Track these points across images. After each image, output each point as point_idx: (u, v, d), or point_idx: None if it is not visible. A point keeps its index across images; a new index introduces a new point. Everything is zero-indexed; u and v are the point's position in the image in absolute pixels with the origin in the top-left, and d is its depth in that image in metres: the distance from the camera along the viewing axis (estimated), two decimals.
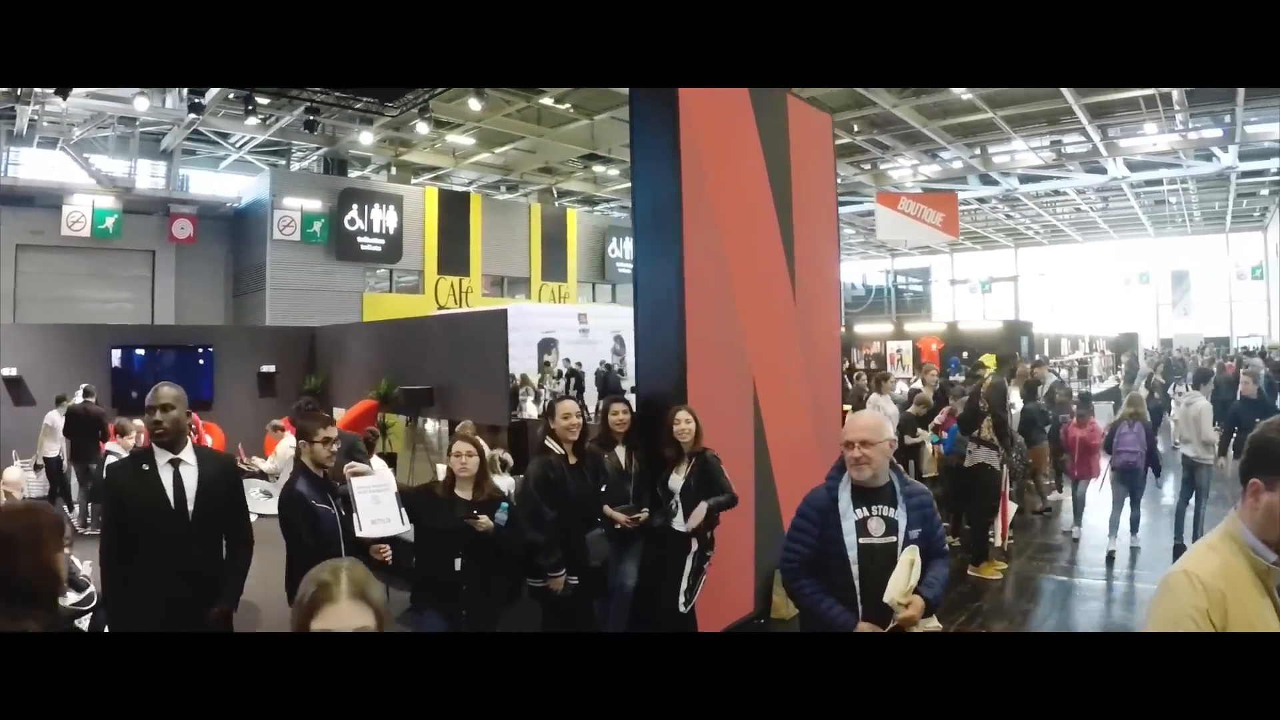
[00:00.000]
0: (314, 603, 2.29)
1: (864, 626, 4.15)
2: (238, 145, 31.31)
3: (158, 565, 4.82)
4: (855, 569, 4.22)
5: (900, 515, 4.30)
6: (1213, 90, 23.76)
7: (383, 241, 31.86)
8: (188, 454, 5.05)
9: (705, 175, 7.72)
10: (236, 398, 18.97)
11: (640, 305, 7.75)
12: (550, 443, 6.48)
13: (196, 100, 23.38)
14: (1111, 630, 8.49)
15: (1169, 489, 14.01)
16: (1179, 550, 10.85)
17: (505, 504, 5.81)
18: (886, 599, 4.11)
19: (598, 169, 34.69)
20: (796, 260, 9.13)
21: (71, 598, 5.85)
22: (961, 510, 11.62)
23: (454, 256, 33.57)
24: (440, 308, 31.19)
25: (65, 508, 15.24)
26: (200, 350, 19.16)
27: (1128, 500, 11.39)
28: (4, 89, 23.42)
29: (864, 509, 4.29)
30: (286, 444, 14.85)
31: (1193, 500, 11.33)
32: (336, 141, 30.33)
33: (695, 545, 6.74)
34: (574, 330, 28.64)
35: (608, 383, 24.45)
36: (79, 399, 15.87)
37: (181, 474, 4.98)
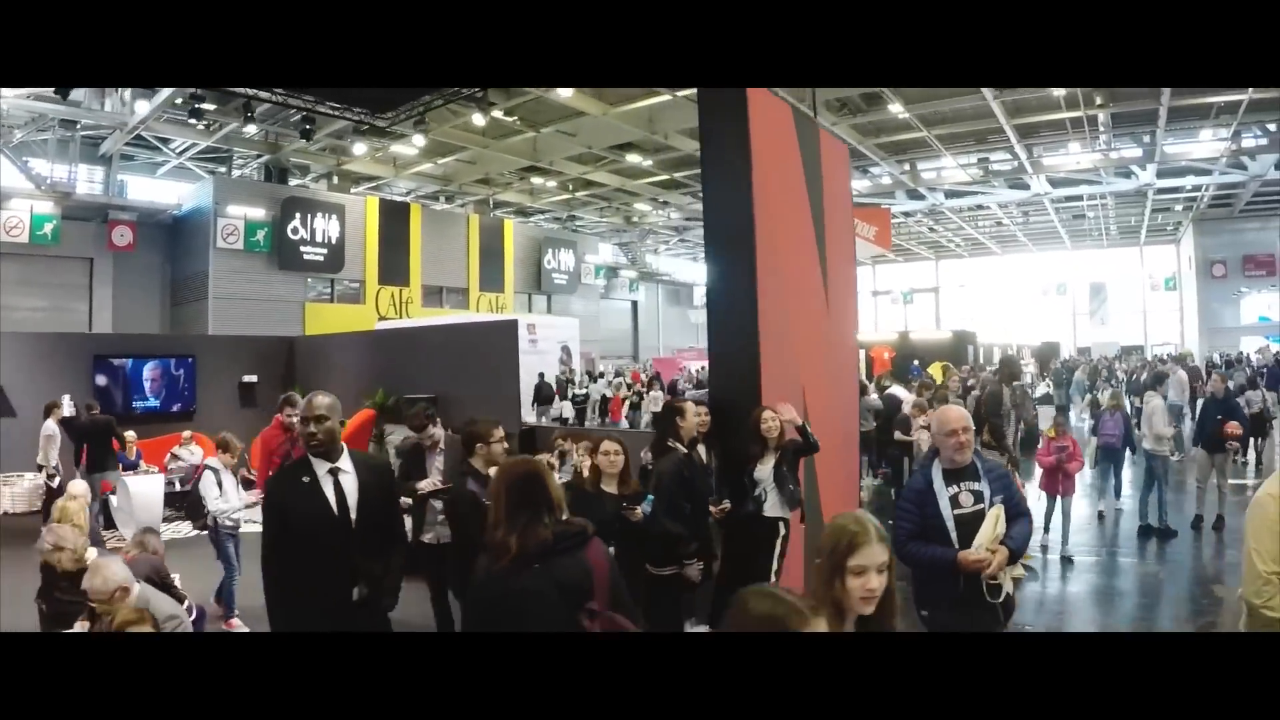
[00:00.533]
0: (852, 545, 3.14)
1: (964, 554, 5.22)
2: (178, 151, 31.75)
3: (323, 573, 5.13)
4: (954, 536, 5.35)
5: (984, 487, 5.45)
6: (1137, 110, 25.36)
7: (325, 251, 32.45)
8: (345, 462, 5.37)
9: (768, 192, 8.82)
10: (218, 408, 19.55)
11: (713, 315, 8.95)
12: (674, 443, 7.55)
13: (198, 105, 23.71)
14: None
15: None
16: (1145, 530, 13.02)
17: (650, 497, 6.87)
18: (973, 547, 5.24)
19: (535, 180, 35.57)
20: (829, 274, 10.30)
21: (166, 608, 6.16)
22: None
23: (394, 266, 34.25)
24: (381, 318, 32.00)
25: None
26: (180, 360, 19.70)
27: (1111, 471, 14.10)
28: None
29: (955, 486, 5.46)
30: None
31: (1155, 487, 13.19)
32: (279, 149, 30.87)
33: (784, 530, 7.85)
34: (524, 340, 29.31)
35: (540, 392, 25.45)
36: (68, 409, 16.44)
37: (342, 483, 5.28)
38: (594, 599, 3.91)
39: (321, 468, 5.27)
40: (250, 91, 19.07)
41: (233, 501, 9.50)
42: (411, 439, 9.15)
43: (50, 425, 15.57)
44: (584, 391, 28.84)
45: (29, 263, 29.52)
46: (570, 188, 36.45)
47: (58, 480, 14.76)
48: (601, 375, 32.66)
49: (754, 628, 2.65)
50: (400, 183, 35.95)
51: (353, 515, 5.29)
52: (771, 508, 7.78)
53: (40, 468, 15.74)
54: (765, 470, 7.79)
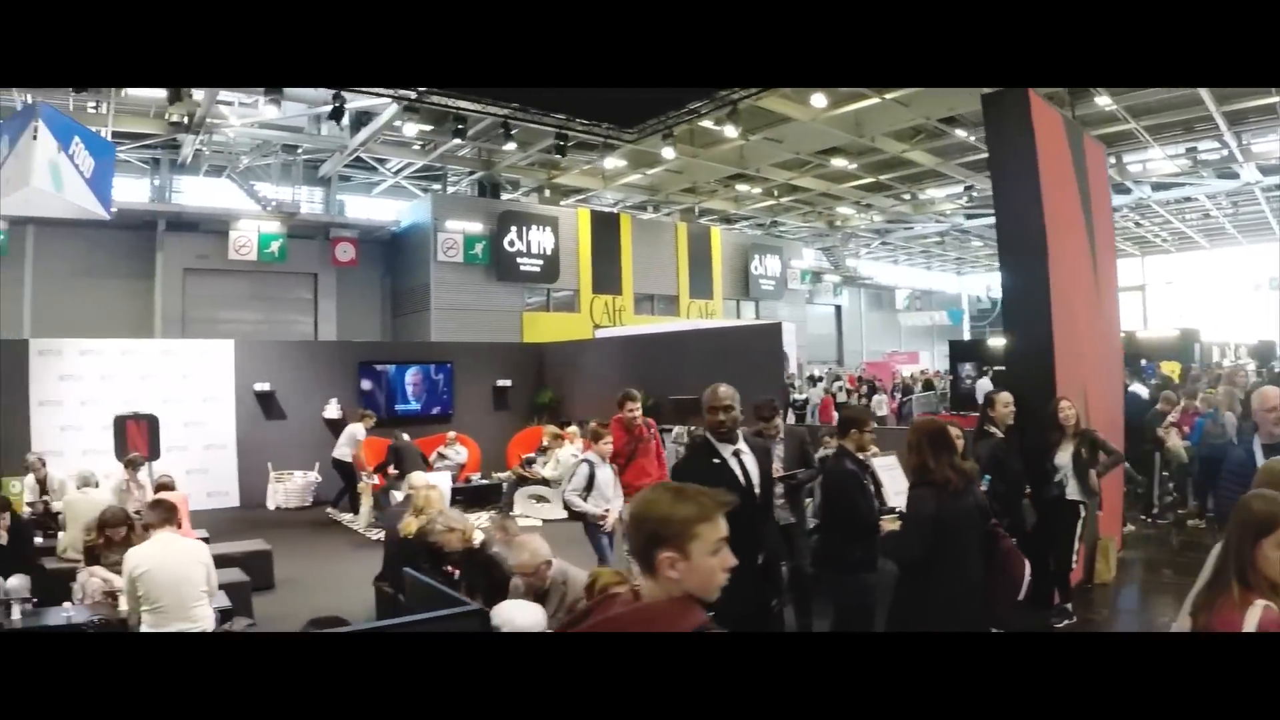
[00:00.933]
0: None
1: None
2: (394, 171, 33.30)
3: (740, 542, 5.87)
4: None
5: None
6: None
7: (541, 262, 33.42)
8: (742, 444, 6.22)
9: (1052, 195, 9.33)
10: (474, 411, 20.54)
11: (1009, 312, 9.74)
12: (990, 427, 8.55)
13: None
14: None
15: None
16: None
17: (988, 477, 7.54)
18: None
19: (741, 187, 35.98)
20: (1098, 270, 10.71)
21: (583, 577, 6.51)
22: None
23: (606, 276, 35.07)
24: (596, 326, 32.91)
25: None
26: (439, 366, 20.74)
27: None
28: (175, 119, 25.39)
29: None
30: (568, 451, 16.46)
31: None
32: (492, 165, 32.08)
33: (1083, 512, 8.69)
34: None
35: None
36: (334, 411, 17.89)
37: (745, 462, 6.12)
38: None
39: (726, 449, 6.12)
40: (505, 111, 19.79)
41: (607, 493, 9.73)
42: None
43: (357, 428, 16.88)
44: (804, 396, 29.14)
45: (258, 279, 31.60)
46: (775, 193, 36.80)
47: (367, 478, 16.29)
48: (820, 379, 33.06)
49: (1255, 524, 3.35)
50: (608, 194, 36.79)
51: (756, 490, 6.15)
52: (1072, 492, 8.64)
53: (338, 464, 17.28)
54: (1065, 456, 8.71)
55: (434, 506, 9.10)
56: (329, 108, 20.46)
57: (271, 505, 18.53)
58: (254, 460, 18.65)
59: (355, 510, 16.95)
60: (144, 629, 7.12)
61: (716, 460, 6.08)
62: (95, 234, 28.46)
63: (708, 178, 34.27)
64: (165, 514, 7.78)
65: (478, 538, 8.26)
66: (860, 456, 7.03)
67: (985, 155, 28.66)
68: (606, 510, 9.58)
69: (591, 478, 9.71)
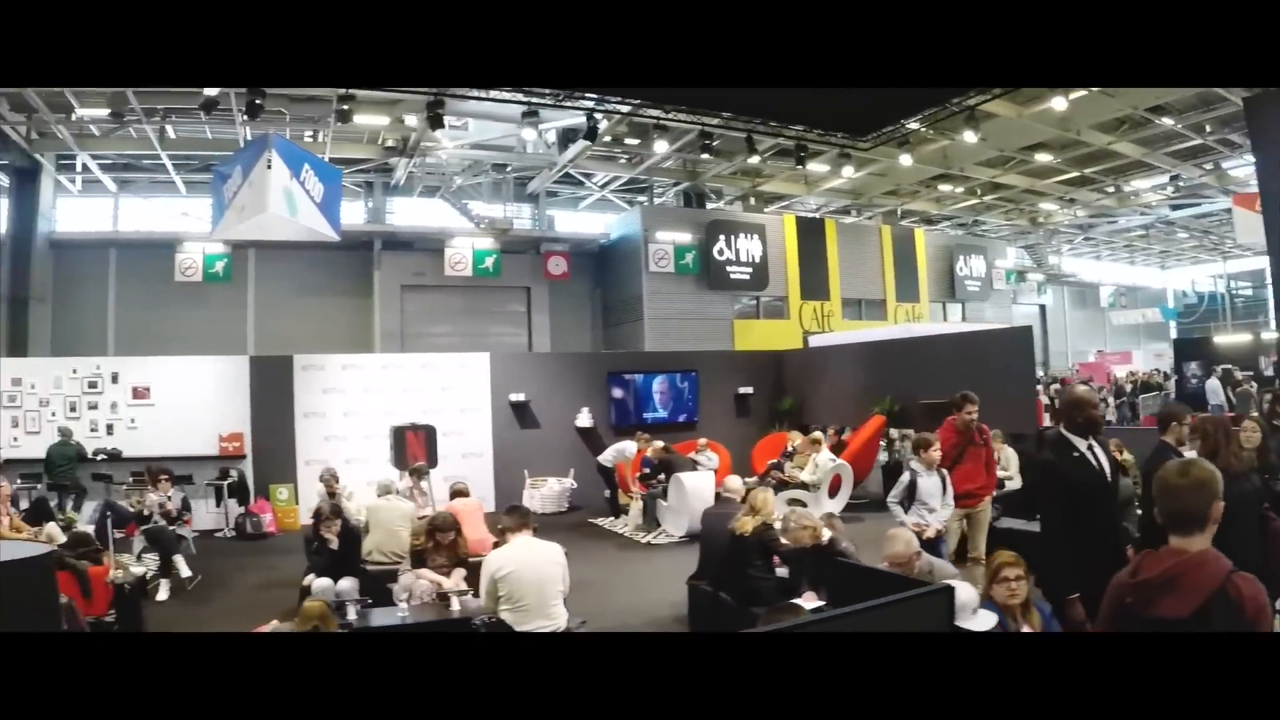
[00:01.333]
0: None
1: None
2: (600, 185, 34.31)
3: (1100, 531, 6.13)
4: None
5: None
6: None
7: (750, 270, 33.92)
8: (1094, 440, 6.40)
9: None
10: (718, 418, 21.09)
11: None
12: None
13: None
14: None
15: None
16: None
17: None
18: None
19: (943, 187, 35.96)
20: None
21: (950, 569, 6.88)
22: None
23: (814, 281, 35.34)
24: (806, 332, 33.34)
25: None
26: (684, 374, 21.38)
27: None
28: (390, 144, 26.80)
29: None
30: (825, 456, 16.85)
31: None
32: (697, 175, 32.75)
33: None
34: None
35: None
36: (585, 420, 18.72)
37: (1098, 454, 6.33)
38: None
39: (1082, 444, 6.34)
40: (748, 125, 20.19)
41: (932, 503, 9.74)
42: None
43: (631, 446, 17.85)
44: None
45: (472, 293, 33.05)
46: (978, 192, 36.69)
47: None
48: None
49: None
50: (810, 199, 37.14)
51: (1109, 480, 6.42)
52: None
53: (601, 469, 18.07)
54: None
55: (770, 506, 9.55)
56: (544, 124, 21.56)
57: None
58: (509, 468, 19.49)
59: (615, 515, 17.77)
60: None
61: (1075, 453, 6.34)
62: (313, 255, 30.08)
63: (911, 179, 34.28)
64: (521, 518, 8.39)
65: (826, 535, 8.69)
66: (1180, 449, 7.37)
67: (1194, 143, 28.73)
68: (922, 525, 9.52)
69: (913, 486, 9.78)
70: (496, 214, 32.86)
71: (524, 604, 7.67)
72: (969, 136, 21.66)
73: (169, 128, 25.79)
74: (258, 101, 17.51)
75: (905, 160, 23.46)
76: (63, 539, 11.90)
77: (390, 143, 27.76)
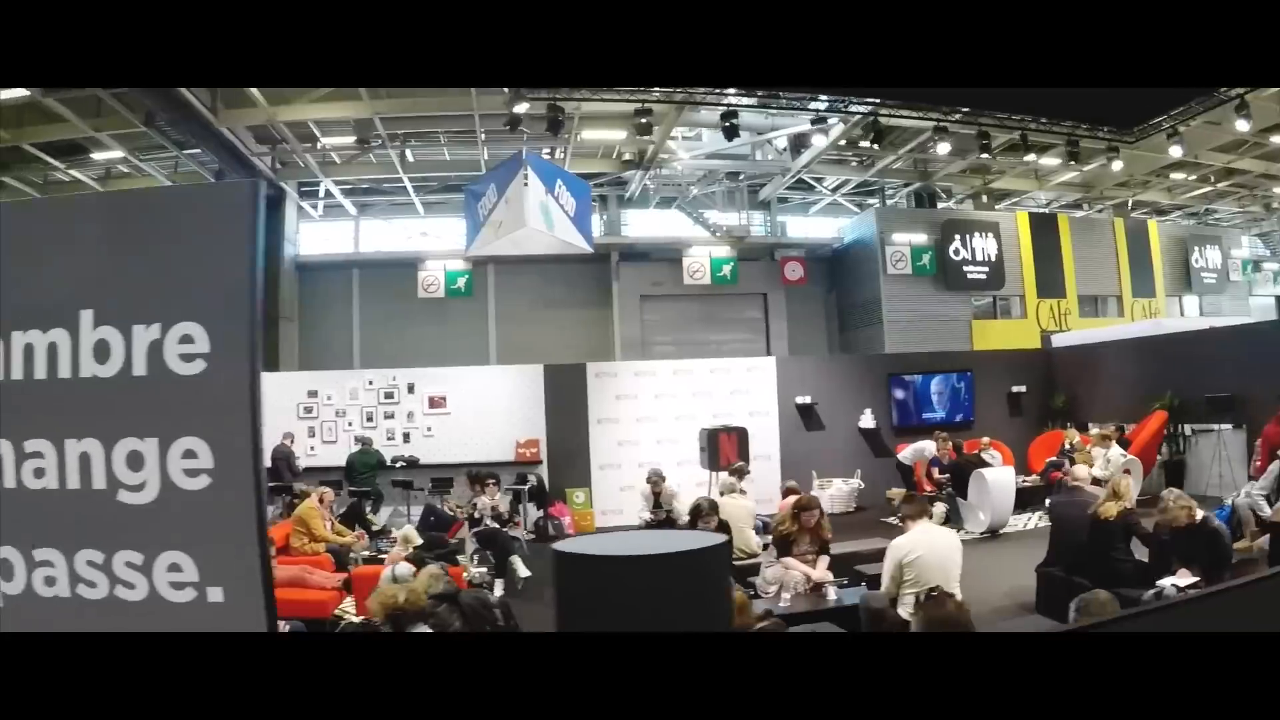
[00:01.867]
0: None
1: None
2: (831, 189, 35.14)
3: None
4: None
5: None
6: None
7: (986, 269, 34.23)
8: None
9: None
10: (993, 417, 21.71)
11: None
12: None
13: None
14: None
15: None
16: None
17: None
18: None
19: (1176, 175, 35.64)
20: None
21: None
22: None
23: (1049, 279, 35.34)
24: (1045, 331, 33.29)
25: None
26: (960, 374, 22.17)
27: None
28: (628, 157, 28.30)
29: None
30: (1116, 451, 17.37)
31: None
32: (929, 176, 33.37)
33: None
34: None
35: None
36: (869, 421, 19.51)
37: None
38: None
39: None
40: (1018, 125, 20.69)
41: None
42: None
43: (930, 446, 18.75)
44: None
45: (709, 301, 34.38)
46: (1212, 179, 36.20)
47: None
48: None
49: None
50: (1040, 194, 37.20)
51: None
52: None
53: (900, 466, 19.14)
54: None
55: (1131, 492, 10.24)
56: (774, 133, 22.41)
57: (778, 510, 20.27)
58: (796, 469, 20.26)
59: None
60: (902, 611, 8.50)
61: None
62: (551, 269, 31.66)
63: (1143, 169, 33.93)
64: (920, 507, 9.32)
65: (1199, 513, 9.32)
66: None
67: None
68: None
69: None
70: (732, 221, 34.01)
71: (929, 586, 8.35)
72: (1240, 125, 21.71)
73: (408, 151, 27.37)
74: (559, 117, 18.83)
75: (1175, 152, 23.51)
76: (418, 541, 13.20)
77: (627, 156, 28.98)
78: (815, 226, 37.33)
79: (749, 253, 34.12)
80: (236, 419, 3.48)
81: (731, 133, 20.29)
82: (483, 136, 24.37)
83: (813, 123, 22.54)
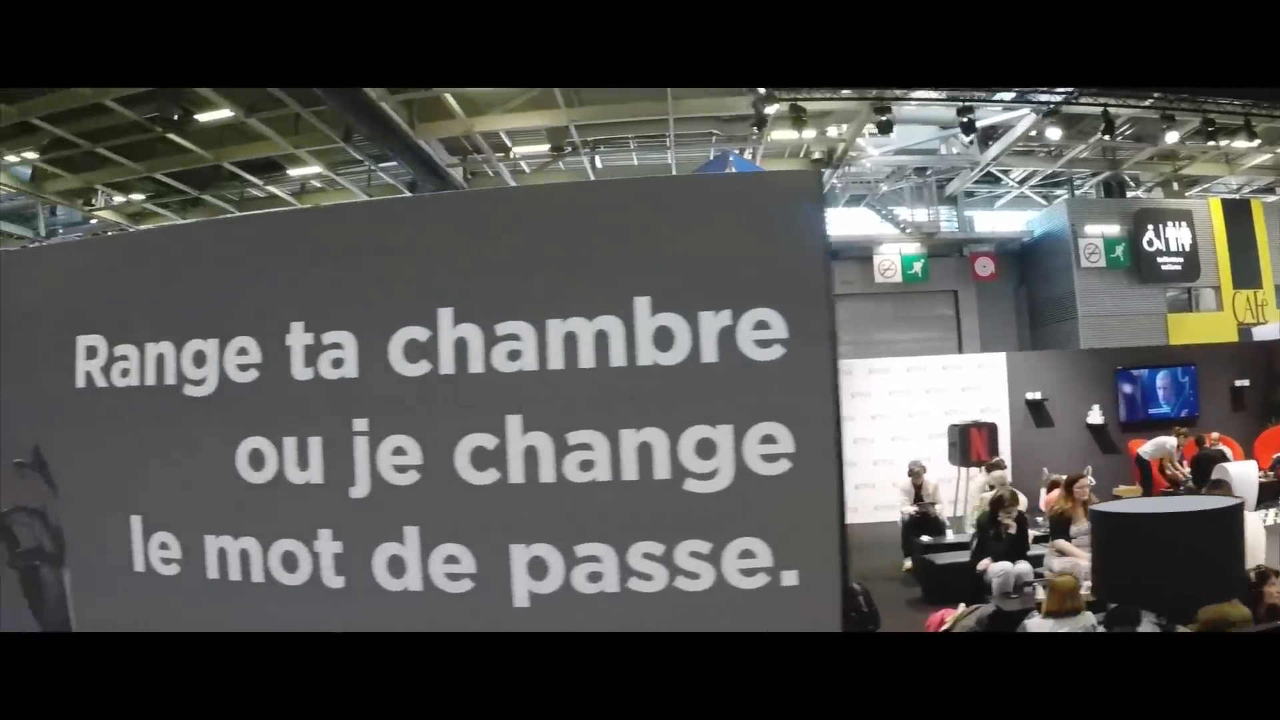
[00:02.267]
0: None
1: None
2: (1018, 181, 35.22)
3: None
4: None
5: None
6: None
7: (1181, 260, 33.78)
8: None
9: None
10: (1216, 412, 22.05)
11: None
12: None
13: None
14: None
15: None
16: None
17: None
18: None
19: None
20: None
21: None
22: None
23: (1245, 269, 34.55)
24: (1241, 324, 32.97)
25: None
26: (1184, 369, 22.56)
27: None
28: (817, 156, 28.88)
29: None
30: None
31: None
32: (1118, 164, 33.15)
33: None
34: None
35: None
36: (1096, 417, 20.43)
37: None
38: None
39: None
40: (1242, 111, 20.89)
41: None
42: None
43: (1170, 442, 19.02)
44: None
45: (899, 299, 34.79)
46: None
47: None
48: None
49: None
50: (1231, 179, 36.48)
51: None
52: None
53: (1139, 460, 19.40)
54: None
55: None
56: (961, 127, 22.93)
57: (1043, 507, 20.65)
58: (1026, 465, 20.49)
59: None
60: None
61: None
62: None
63: None
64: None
65: None
66: None
67: None
68: None
69: None
70: (920, 218, 34.35)
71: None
72: None
73: (598, 158, 28.32)
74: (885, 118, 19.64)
75: None
76: None
77: (816, 155, 29.49)
78: (1002, 220, 37.32)
79: (938, 249, 34.47)
80: (819, 403, 3.55)
81: (969, 128, 20.76)
82: (671, 141, 25.19)
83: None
